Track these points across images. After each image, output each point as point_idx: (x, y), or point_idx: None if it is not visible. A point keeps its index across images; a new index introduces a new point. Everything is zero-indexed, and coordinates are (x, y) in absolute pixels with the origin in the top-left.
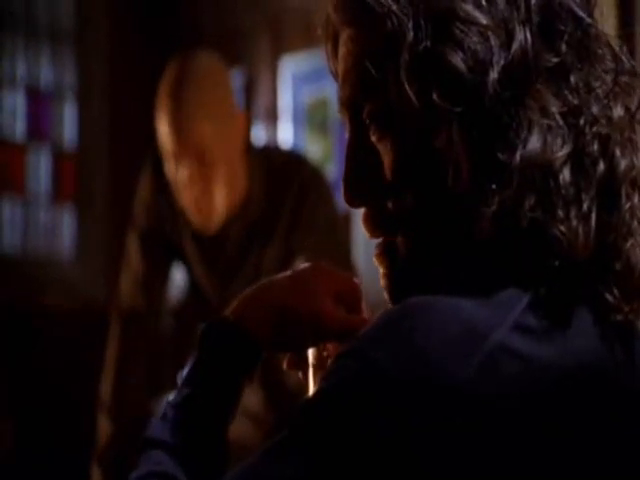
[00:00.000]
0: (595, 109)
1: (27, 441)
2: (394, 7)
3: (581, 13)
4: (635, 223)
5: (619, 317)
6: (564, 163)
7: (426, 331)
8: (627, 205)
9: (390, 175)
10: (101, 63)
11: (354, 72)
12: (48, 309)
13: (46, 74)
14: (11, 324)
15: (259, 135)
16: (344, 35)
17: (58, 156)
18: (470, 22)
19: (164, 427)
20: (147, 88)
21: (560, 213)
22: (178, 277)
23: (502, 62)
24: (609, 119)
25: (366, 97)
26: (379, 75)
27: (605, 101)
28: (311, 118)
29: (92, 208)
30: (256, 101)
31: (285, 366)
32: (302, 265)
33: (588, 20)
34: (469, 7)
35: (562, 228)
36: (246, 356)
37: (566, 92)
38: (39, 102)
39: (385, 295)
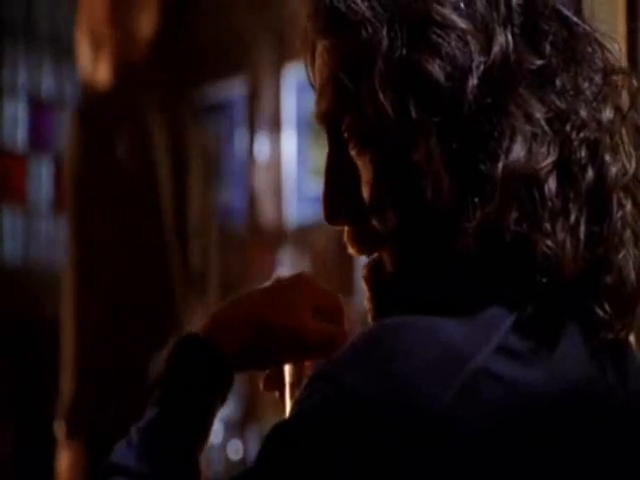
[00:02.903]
0: (583, 112)
1: (27, 450)
2: (368, 14)
3: (566, 12)
4: (628, 232)
5: (610, 335)
6: (550, 172)
7: (403, 354)
8: (619, 213)
9: (370, 191)
10: None
11: (330, 84)
12: (49, 319)
13: (47, 83)
14: (12, 334)
15: (262, 144)
16: (319, 46)
17: (60, 166)
18: (447, 26)
19: (128, 452)
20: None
21: (546, 226)
22: None
23: (482, 67)
24: (598, 122)
25: (343, 110)
26: (355, 87)
27: (594, 103)
28: (315, 127)
29: None
30: (259, 110)
31: (262, 386)
32: (282, 276)
33: (574, 18)
34: (446, 11)
35: (548, 242)
36: (217, 376)
37: (552, 96)
38: (40, 111)
39: (369, 318)
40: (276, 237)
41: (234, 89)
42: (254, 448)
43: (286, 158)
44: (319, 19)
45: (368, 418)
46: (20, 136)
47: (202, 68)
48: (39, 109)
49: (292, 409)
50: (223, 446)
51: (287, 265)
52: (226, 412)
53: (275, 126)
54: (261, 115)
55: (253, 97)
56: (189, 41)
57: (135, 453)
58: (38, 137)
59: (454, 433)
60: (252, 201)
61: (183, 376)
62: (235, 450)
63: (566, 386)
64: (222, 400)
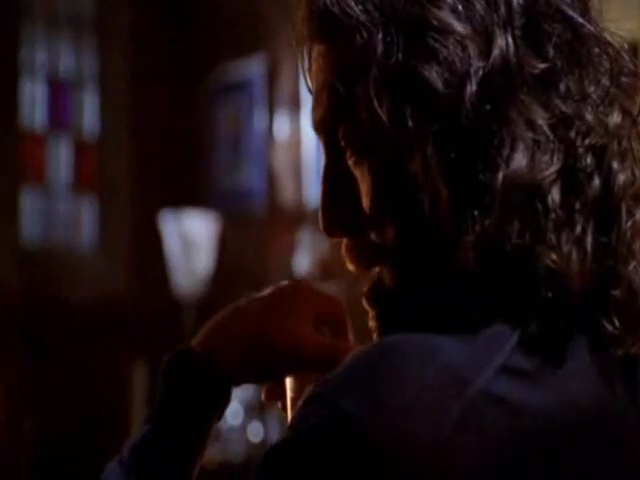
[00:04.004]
0: (589, 117)
1: (47, 435)
2: (363, 18)
3: (571, 12)
4: (638, 243)
5: (620, 351)
6: (553, 181)
7: (400, 376)
8: (628, 223)
9: (367, 203)
10: (122, 50)
11: (325, 91)
12: (68, 300)
13: (66, 62)
14: (31, 315)
15: (282, 124)
16: (315, 51)
17: (78, 145)
18: (445, 31)
19: (119, 470)
20: (168, 75)
21: (550, 238)
22: (201, 267)
23: (481, 73)
24: (605, 127)
25: (339, 118)
26: (350, 93)
27: (601, 107)
28: None
29: (113, 197)
30: (279, 89)
31: (263, 397)
32: (281, 285)
33: (579, 19)
34: (443, 14)
35: (553, 255)
36: (214, 392)
37: (556, 101)
38: (59, 91)
39: (374, 337)
40: (295, 217)
41: (253, 68)
42: (274, 430)
43: (306, 137)
44: (313, 23)
45: (361, 447)
46: (39, 116)
47: (221, 47)
48: (58, 88)
49: (287, 431)
50: (243, 428)
51: (306, 245)
52: (246, 395)
53: (295, 105)
54: (280, 94)
55: (272, 76)
56: (208, 21)
57: (126, 471)
58: (57, 117)
59: (454, 464)
60: (272, 181)
61: (177, 393)
62: (255, 432)
63: (574, 407)
64: (219, 416)
